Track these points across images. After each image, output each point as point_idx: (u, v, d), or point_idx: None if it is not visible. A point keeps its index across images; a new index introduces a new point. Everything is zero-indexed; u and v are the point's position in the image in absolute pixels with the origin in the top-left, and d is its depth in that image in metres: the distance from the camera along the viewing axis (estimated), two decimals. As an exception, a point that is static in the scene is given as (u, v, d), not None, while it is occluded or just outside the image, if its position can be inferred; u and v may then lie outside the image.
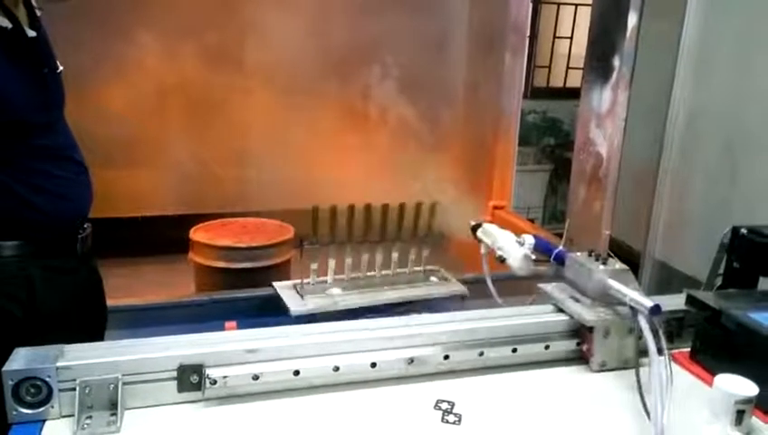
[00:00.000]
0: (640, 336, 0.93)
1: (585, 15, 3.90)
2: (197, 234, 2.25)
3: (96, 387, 0.83)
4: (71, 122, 1.31)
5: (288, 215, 2.45)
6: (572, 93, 3.21)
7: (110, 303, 1.48)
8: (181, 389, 0.88)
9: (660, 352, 0.88)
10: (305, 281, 1.59)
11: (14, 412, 0.82)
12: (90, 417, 0.83)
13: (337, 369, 0.94)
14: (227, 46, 2.59)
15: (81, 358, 0.85)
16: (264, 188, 2.70)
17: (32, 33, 1.18)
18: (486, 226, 1.45)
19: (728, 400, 0.83)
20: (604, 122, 2.06)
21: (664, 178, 2.41)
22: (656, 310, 0.92)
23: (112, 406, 0.84)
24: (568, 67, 4.54)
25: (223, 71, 2.58)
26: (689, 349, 1.07)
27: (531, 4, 3.00)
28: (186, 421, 0.86)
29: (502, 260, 1.35)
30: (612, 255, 1.08)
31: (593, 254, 1.07)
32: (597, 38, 2.10)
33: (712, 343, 1.03)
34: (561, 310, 1.06)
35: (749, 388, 0.84)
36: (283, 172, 2.68)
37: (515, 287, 1.36)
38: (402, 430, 0.86)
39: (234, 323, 1.42)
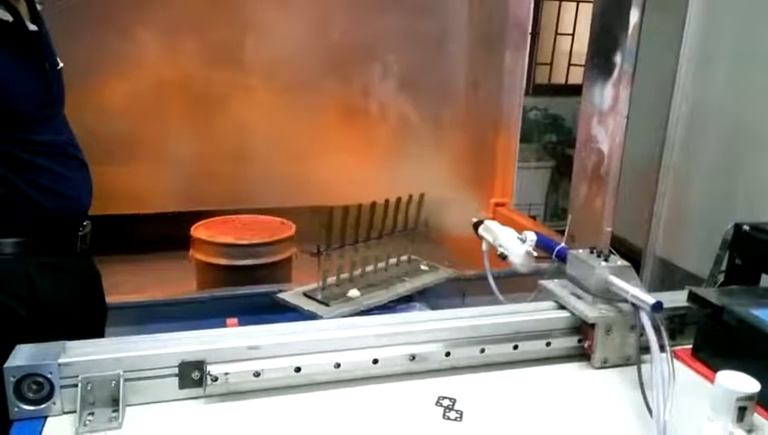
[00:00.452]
0: (642, 333, 0.93)
1: (587, 12, 3.90)
2: (198, 231, 2.25)
3: (98, 383, 0.83)
4: (70, 119, 1.31)
5: (289, 212, 2.45)
6: (574, 90, 3.21)
7: (111, 300, 1.48)
8: (182, 385, 0.88)
9: (662, 348, 0.88)
10: (320, 286, 1.58)
11: (16, 409, 0.82)
12: (91, 413, 0.83)
13: (338, 365, 0.94)
14: (228, 43, 2.58)
15: (82, 354, 0.85)
16: (265, 185, 2.70)
17: (33, 28, 1.18)
18: (488, 222, 1.45)
19: (730, 396, 0.83)
20: (606, 119, 2.06)
21: (666, 174, 2.40)
22: (657, 307, 0.92)
23: (114, 402, 0.84)
24: (570, 64, 4.53)
25: (223, 68, 2.57)
26: (691, 346, 1.07)
27: (532, 1, 2.99)
28: (187, 418, 0.86)
29: (503, 257, 1.35)
30: (614, 251, 1.08)
31: (595, 250, 1.07)
32: (599, 35, 2.10)
33: (714, 339, 1.03)
34: (562, 307, 1.06)
35: (751, 385, 0.84)
36: (284, 169, 2.68)
37: (517, 284, 1.36)
38: (403, 427, 0.86)
39: (235, 320, 1.42)
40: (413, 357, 0.97)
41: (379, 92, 2.78)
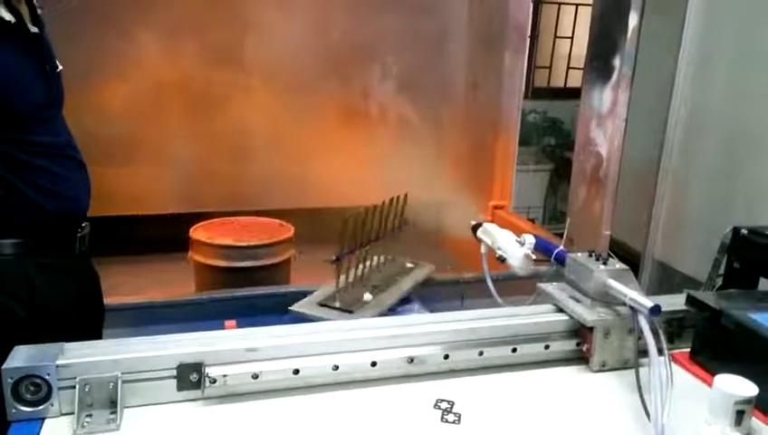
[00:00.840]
0: (640, 336, 0.93)
1: (586, 15, 3.90)
2: (197, 232, 2.25)
3: (96, 385, 0.83)
4: (70, 120, 1.31)
5: (288, 213, 2.45)
6: (573, 93, 3.21)
7: (109, 301, 1.48)
8: (181, 387, 0.88)
9: (660, 352, 0.88)
10: (337, 293, 1.57)
11: (14, 410, 0.82)
12: (89, 415, 0.83)
13: (337, 368, 0.94)
14: (227, 44, 2.58)
15: (80, 356, 0.85)
16: (265, 187, 2.70)
17: (34, 30, 1.18)
18: (487, 225, 1.45)
19: (728, 400, 0.83)
20: (605, 122, 2.06)
21: (664, 178, 2.40)
22: (656, 310, 0.92)
23: (112, 404, 0.84)
24: (568, 67, 4.54)
25: (222, 69, 2.57)
26: (689, 349, 1.07)
27: (531, 4, 3.00)
28: (185, 420, 0.86)
29: (502, 260, 1.35)
30: (612, 255, 1.08)
31: (593, 254, 1.07)
32: (598, 38, 2.10)
33: (712, 343, 1.03)
34: (561, 310, 1.06)
35: (749, 388, 0.84)
36: (283, 171, 2.68)
37: (515, 287, 1.35)
38: (402, 430, 0.86)
39: (233, 322, 1.42)
40: (411, 360, 0.97)
41: (378, 94, 2.78)
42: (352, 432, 0.86)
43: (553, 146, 4.60)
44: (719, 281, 1.29)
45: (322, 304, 1.56)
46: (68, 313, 1.26)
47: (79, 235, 1.30)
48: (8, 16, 1.11)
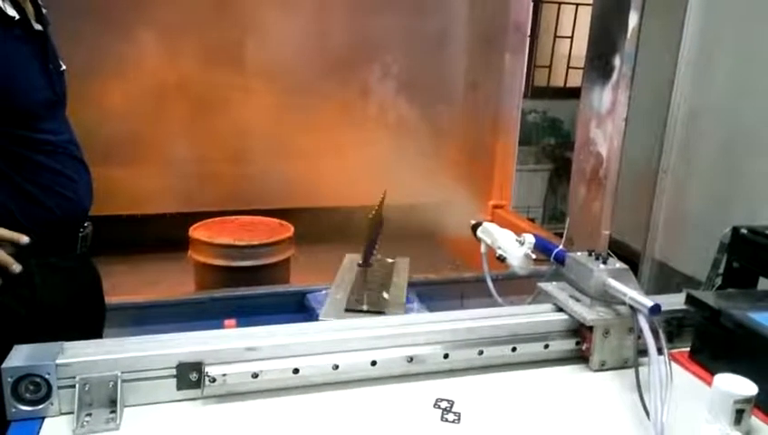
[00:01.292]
0: (640, 336, 0.93)
1: (586, 15, 3.90)
2: (197, 232, 2.25)
3: (95, 384, 0.83)
4: (71, 120, 1.31)
5: (287, 213, 2.45)
6: (573, 93, 3.21)
7: (109, 300, 1.48)
8: (180, 386, 0.88)
9: (660, 351, 0.88)
10: (362, 297, 1.56)
11: (14, 409, 0.82)
12: (89, 414, 0.83)
13: (336, 367, 0.94)
14: (227, 45, 2.59)
15: (80, 355, 0.85)
16: (264, 187, 2.70)
17: (38, 27, 1.19)
18: (486, 225, 1.45)
19: (727, 399, 0.83)
20: (604, 122, 2.06)
21: (664, 177, 2.41)
22: (655, 309, 0.92)
23: (112, 403, 0.84)
24: (568, 67, 4.54)
25: (223, 69, 2.58)
26: (689, 349, 1.07)
27: (531, 4, 3.00)
28: (185, 419, 0.86)
29: (502, 259, 1.35)
30: (612, 254, 1.08)
31: (593, 253, 1.07)
32: (597, 37, 2.10)
33: (711, 342, 1.03)
34: (560, 309, 1.06)
35: (748, 387, 0.84)
36: (282, 170, 2.68)
37: (515, 286, 1.36)
38: (401, 429, 0.86)
39: (233, 321, 1.42)
40: (411, 359, 0.97)
41: (378, 94, 2.79)
42: (352, 432, 0.86)
43: (553, 145, 4.60)
44: (719, 280, 1.29)
45: (349, 310, 1.54)
46: (69, 312, 1.26)
47: (81, 234, 1.30)
48: (12, 12, 1.12)
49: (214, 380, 0.87)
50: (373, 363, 0.95)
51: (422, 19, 2.80)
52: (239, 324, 1.23)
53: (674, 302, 1.09)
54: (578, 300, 1.05)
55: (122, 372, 0.85)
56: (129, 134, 2.49)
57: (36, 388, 0.82)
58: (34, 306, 1.19)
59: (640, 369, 0.91)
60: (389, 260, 1.87)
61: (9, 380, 0.81)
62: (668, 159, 2.38)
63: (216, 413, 0.88)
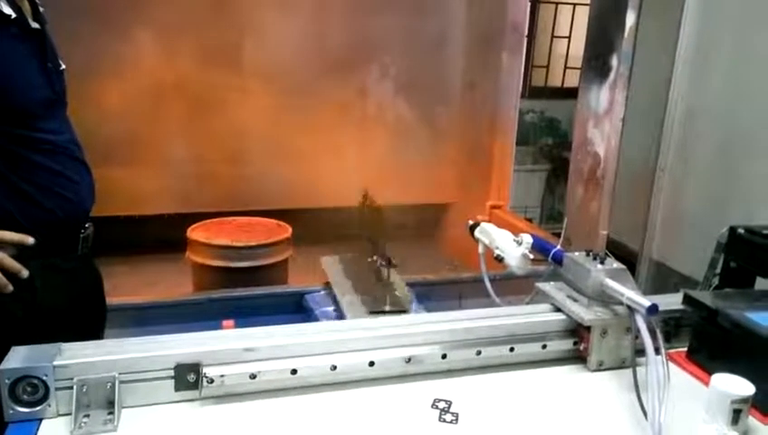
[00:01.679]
0: (637, 336, 0.93)
1: (583, 15, 3.90)
2: (195, 233, 2.25)
3: (93, 386, 0.83)
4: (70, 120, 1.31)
5: (285, 214, 2.45)
6: (570, 93, 3.21)
7: (108, 301, 1.48)
8: (178, 387, 0.88)
9: (657, 351, 0.88)
10: (382, 297, 1.56)
11: (11, 411, 0.81)
12: (87, 416, 0.82)
13: (334, 368, 0.94)
14: (226, 45, 2.59)
15: (78, 356, 0.85)
16: (262, 187, 2.70)
17: (35, 25, 1.18)
18: (484, 225, 1.45)
19: (725, 399, 0.84)
20: (602, 122, 2.06)
21: (661, 177, 2.41)
22: (653, 309, 0.92)
23: (109, 405, 0.84)
24: (566, 67, 4.54)
25: (221, 70, 2.57)
26: (686, 348, 1.07)
27: (529, 4, 3.00)
28: (183, 420, 0.86)
29: (500, 259, 1.35)
30: (609, 254, 1.08)
31: (591, 253, 1.07)
32: (595, 37, 2.10)
33: (709, 342, 1.03)
34: (558, 309, 1.07)
35: (745, 387, 0.84)
36: (280, 171, 2.68)
37: (513, 287, 1.36)
38: (399, 429, 0.86)
39: (231, 322, 1.42)
40: (409, 359, 0.97)
41: (375, 95, 2.79)
42: (350, 432, 0.86)
43: (551, 146, 4.60)
44: (716, 280, 1.29)
45: (374, 312, 1.54)
46: (69, 313, 1.25)
47: (82, 235, 1.29)
48: (8, 10, 1.11)
49: (212, 381, 0.87)
50: (371, 364, 0.95)
51: (419, 20, 2.80)
52: (237, 325, 1.23)
53: (671, 302, 1.10)
54: (575, 300, 1.05)
55: (120, 374, 0.85)
56: (127, 135, 2.49)
57: (34, 389, 0.82)
58: (33, 308, 1.19)
59: (638, 369, 0.92)
60: (368, 259, 1.85)
61: (6, 381, 0.81)
62: (666, 159, 2.38)
63: (214, 414, 0.88)
